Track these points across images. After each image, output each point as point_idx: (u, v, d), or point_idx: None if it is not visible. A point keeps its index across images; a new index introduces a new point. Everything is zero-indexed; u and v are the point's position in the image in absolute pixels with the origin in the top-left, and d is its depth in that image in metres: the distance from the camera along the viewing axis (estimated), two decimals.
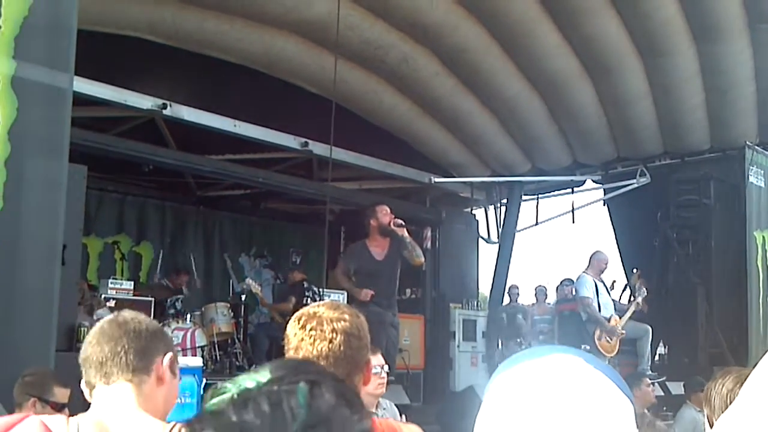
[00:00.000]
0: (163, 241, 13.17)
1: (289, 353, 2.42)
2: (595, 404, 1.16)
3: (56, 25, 5.37)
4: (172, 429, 2.20)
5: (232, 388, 0.86)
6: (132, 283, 10.36)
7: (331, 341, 2.37)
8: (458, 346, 12.46)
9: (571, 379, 1.19)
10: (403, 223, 8.40)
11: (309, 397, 0.83)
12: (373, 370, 5.08)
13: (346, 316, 2.46)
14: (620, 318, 10.50)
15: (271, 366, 0.89)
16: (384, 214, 8.42)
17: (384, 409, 5.38)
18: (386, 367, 5.29)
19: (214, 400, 0.86)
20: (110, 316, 2.33)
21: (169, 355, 2.33)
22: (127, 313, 2.32)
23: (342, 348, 2.37)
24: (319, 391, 0.84)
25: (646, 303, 11.46)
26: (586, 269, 10.68)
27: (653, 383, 10.67)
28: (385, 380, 5.25)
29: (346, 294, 9.77)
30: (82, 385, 2.30)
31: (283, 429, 0.80)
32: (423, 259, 8.79)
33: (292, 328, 2.45)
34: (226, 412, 0.82)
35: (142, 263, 12.94)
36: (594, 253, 10.83)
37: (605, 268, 10.88)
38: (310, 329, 2.41)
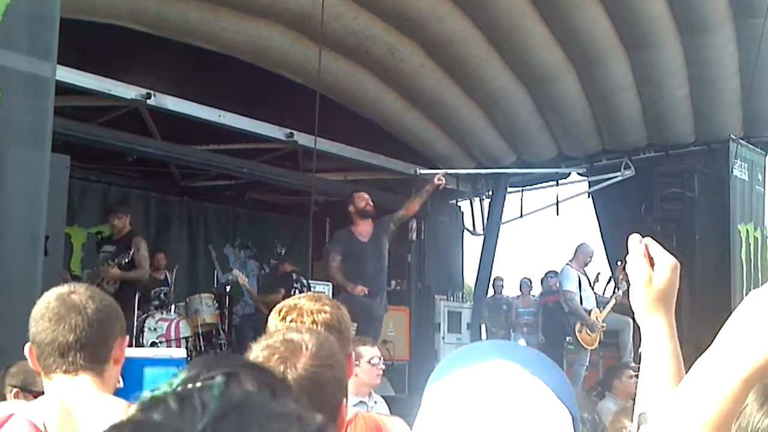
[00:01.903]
0: (147, 232, 13.10)
1: None
2: (528, 417, 1.12)
3: (39, 14, 5.32)
4: None
5: (146, 395, 0.79)
6: None
7: None
8: (443, 338, 12.49)
9: (505, 393, 1.14)
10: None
11: (223, 388, 0.76)
12: (372, 361, 5.20)
13: (327, 308, 2.45)
14: (601, 311, 10.57)
15: (190, 364, 0.83)
16: (361, 199, 8.93)
17: (375, 402, 5.43)
18: (381, 359, 5.40)
19: (132, 408, 0.80)
20: (61, 294, 2.22)
21: (125, 337, 2.32)
22: (81, 294, 2.22)
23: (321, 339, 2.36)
24: (236, 381, 0.78)
25: (626, 297, 11.52)
26: (571, 261, 10.74)
27: (638, 374, 10.73)
28: (382, 371, 5.36)
29: (331, 285, 9.80)
30: (26, 351, 2.24)
31: (190, 423, 0.72)
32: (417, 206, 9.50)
33: (273, 320, 2.44)
34: (132, 417, 0.77)
35: None
36: (580, 245, 10.89)
37: (590, 261, 10.94)
38: (291, 321, 2.40)
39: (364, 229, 8.87)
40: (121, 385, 2.43)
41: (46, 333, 2.18)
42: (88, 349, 2.18)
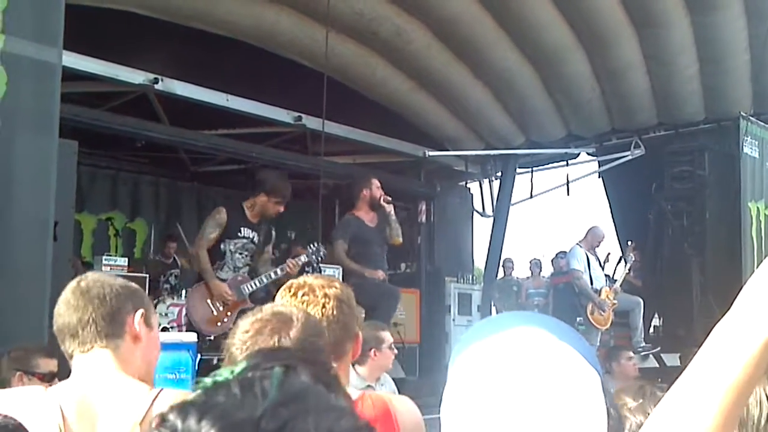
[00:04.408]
0: (157, 217, 13.13)
1: None
2: (560, 378, 1.15)
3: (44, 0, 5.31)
4: (158, 395, 2.19)
5: (207, 380, 0.84)
6: (126, 259, 10.33)
7: (324, 306, 2.39)
8: (454, 320, 12.47)
9: (535, 354, 1.17)
10: (391, 200, 8.57)
11: (282, 379, 0.81)
12: (391, 346, 5.25)
13: (336, 284, 2.52)
14: (610, 289, 10.56)
15: (247, 356, 0.88)
16: (377, 187, 8.53)
17: (382, 385, 5.44)
18: None
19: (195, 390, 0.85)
20: (74, 283, 2.35)
21: (140, 311, 2.35)
22: (90, 278, 2.35)
23: (335, 312, 2.39)
24: (294, 373, 0.83)
25: (636, 276, 11.55)
26: (580, 241, 10.72)
27: (648, 355, 10.76)
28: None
29: (341, 269, 9.79)
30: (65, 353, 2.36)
31: (252, 407, 0.77)
32: (401, 240, 8.92)
33: (283, 298, 2.46)
34: (196, 399, 0.81)
35: (137, 239, 12.92)
36: (592, 228, 10.88)
37: (599, 244, 10.92)
38: (303, 295, 2.43)
39: (368, 215, 8.63)
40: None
41: (59, 320, 2.33)
42: (95, 325, 2.28)
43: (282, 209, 7.83)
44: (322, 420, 0.78)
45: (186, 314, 7.48)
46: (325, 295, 2.43)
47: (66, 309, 2.31)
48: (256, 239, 7.70)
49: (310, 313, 2.21)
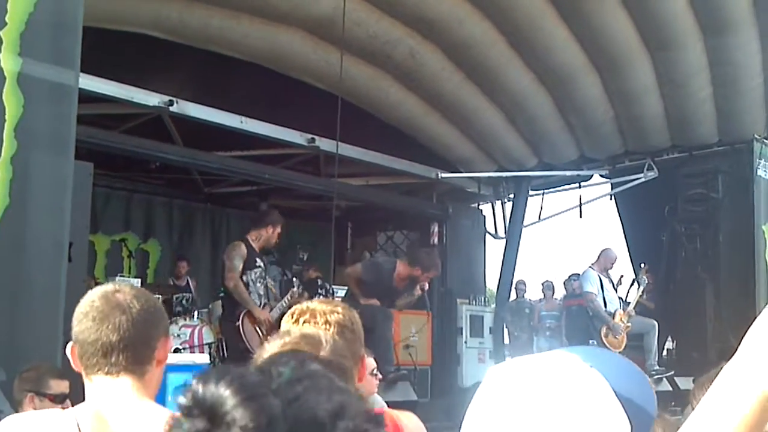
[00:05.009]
0: (170, 239, 13.17)
1: None
2: (571, 404, 1.15)
3: (62, 22, 5.36)
4: None
5: None
6: (139, 280, 10.35)
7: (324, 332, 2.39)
8: (465, 342, 12.44)
9: (555, 377, 1.18)
10: (427, 289, 9.11)
11: (296, 366, 0.89)
12: (374, 372, 5.25)
13: (339, 309, 2.51)
14: (624, 312, 10.53)
15: (265, 359, 0.99)
16: (427, 278, 9.01)
17: None
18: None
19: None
20: (106, 293, 2.18)
21: (170, 337, 2.31)
22: (126, 293, 2.18)
23: (336, 338, 2.39)
24: (308, 362, 0.91)
25: (649, 299, 11.49)
26: (593, 264, 10.70)
27: (662, 378, 10.70)
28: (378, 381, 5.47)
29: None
30: (67, 351, 2.21)
31: (268, 382, 0.86)
32: (399, 310, 9.59)
33: (286, 324, 2.49)
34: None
35: (150, 260, 12.95)
36: (604, 250, 10.86)
37: (612, 266, 10.90)
38: (304, 322, 2.45)
39: (404, 281, 9.03)
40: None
41: (89, 332, 2.13)
42: (131, 350, 2.14)
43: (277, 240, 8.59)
44: (333, 397, 0.86)
45: (243, 340, 7.99)
46: (326, 322, 2.43)
47: (101, 324, 2.13)
48: (264, 268, 8.39)
49: (334, 338, 2.21)
